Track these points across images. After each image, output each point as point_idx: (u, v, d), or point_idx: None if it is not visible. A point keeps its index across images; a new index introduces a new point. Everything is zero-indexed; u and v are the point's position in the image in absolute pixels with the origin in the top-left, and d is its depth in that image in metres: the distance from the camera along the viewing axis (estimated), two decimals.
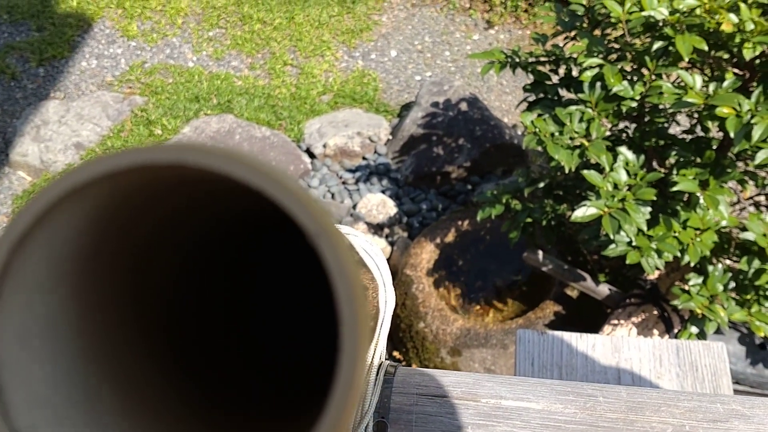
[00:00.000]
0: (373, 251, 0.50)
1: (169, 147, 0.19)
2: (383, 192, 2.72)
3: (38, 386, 0.22)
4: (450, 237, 2.38)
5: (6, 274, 0.20)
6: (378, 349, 0.51)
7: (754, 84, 1.56)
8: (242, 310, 0.50)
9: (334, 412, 0.18)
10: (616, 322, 1.89)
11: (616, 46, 1.70)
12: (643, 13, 1.53)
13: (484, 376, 0.55)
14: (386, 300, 0.50)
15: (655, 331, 1.85)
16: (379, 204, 2.63)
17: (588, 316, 2.11)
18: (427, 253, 2.33)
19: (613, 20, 1.64)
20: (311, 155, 2.92)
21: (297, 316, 0.53)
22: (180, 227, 0.33)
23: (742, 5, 1.42)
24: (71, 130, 3.02)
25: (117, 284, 0.27)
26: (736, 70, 1.61)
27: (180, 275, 0.37)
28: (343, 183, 2.81)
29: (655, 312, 1.88)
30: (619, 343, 1.23)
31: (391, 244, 2.54)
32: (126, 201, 0.23)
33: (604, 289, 1.99)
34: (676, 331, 1.86)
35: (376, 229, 2.60)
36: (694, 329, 1.67)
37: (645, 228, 1.52)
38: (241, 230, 0.43)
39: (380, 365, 0.53)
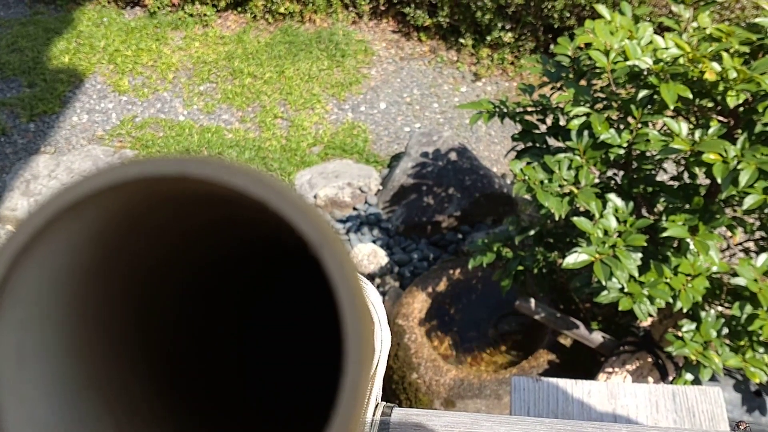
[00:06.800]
0: (368, 288, 0.49)
1: (169, 158, 0.19)
2: (374, 242, 2.72)
3: (34, 408, 0.21)
4: (442, 286, 2.37)
5: (4, 288, 0.20)
6: (374, 390, 0.50)
7: (739, 131, 1.58)
8: (244, 335, 0.49)
9: (341, 419, 0.18)
10: (610, 370, 1.87)
11: (602, 95, 1.72)
12: (628, 63, 1.57)
13: (482, 416, 0.54)
14: (382, 339, 0.49)
15: (650, 379, 1.84)
16: (370, 254, 2.62)
17: (582, 365, 2.09)
18: (419, 303, 2.32)
19: (598, 70, 1.68)
20: None
21: (300, 343, 0.52)
22: (191, 253, 0.33)
23: (725, 54, 1.45)
24: (61, 184, 3.02)
25: (122, 308, 0.27)
26: (720, 118, 1.63)
27: (184, 299, 0.36)
28: None
29: (650, 359, 1.87)
30: (615, 390, 1.22)
31: (383, 294, 2.52)
32: (135, 224, 0.23)
33: (597, 337, 1.97)
34: (671, 378, 1.84)
35: (367, 279, 2.59)
36: (689, 376, 1.65)
37: (636, 274, 1.52)
38: (250, 257, 0.43)
39: (376, 406, 0.52)
